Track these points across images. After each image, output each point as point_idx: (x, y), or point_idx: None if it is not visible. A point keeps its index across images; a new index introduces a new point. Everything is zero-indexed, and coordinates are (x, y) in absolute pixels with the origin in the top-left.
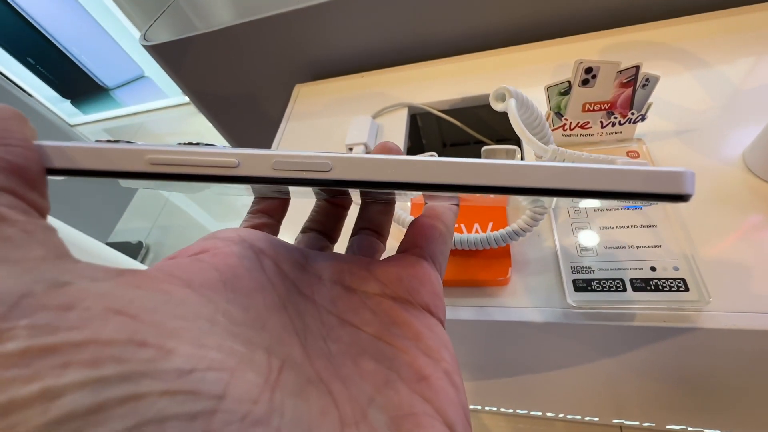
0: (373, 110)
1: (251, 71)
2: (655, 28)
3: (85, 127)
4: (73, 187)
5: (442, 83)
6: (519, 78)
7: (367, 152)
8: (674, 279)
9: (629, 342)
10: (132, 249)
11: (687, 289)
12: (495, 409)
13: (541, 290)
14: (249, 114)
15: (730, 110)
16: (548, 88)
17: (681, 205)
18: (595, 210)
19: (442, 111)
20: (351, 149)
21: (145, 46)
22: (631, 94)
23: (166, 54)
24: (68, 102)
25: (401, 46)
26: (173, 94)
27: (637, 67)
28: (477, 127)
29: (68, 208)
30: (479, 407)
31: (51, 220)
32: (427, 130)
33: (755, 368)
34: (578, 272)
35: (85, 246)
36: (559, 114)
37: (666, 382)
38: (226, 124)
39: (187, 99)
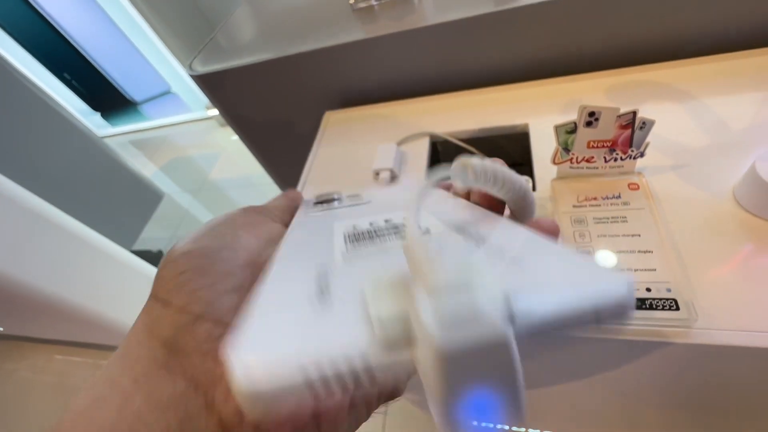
0: (397, 137)
1: (285, 97)
2: (657, 69)
3: (112, 138)
4: (103, 197)
5: (461, 114)
6: (532, 111)
7: (392, 177)
8: (667, 299)
9: (633, 357)
10: (153, 257)
11: (678, 309)
12: (506, 427)
13: None
14: (280, 133)
15: (723, 148)
16: (557, 128)
17: (674, 233)
18: (598, 236)
19: (461, 140)
20: (378, 174)
21: (192, 76)
22: (630, 134)
23: (208, 81)
24: (98, 115)
25: (423, 79)
26: (197, 109)
27: (634, 113)
28: (493, 154)
29: (98, 216)
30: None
31: (80, 227)
32: (446, 156)
33: (753, 385)
34: None
35: (111, 252)
36: (566, 149)
37: (676, 401)
38: (258, 142)
39: (209, 114)
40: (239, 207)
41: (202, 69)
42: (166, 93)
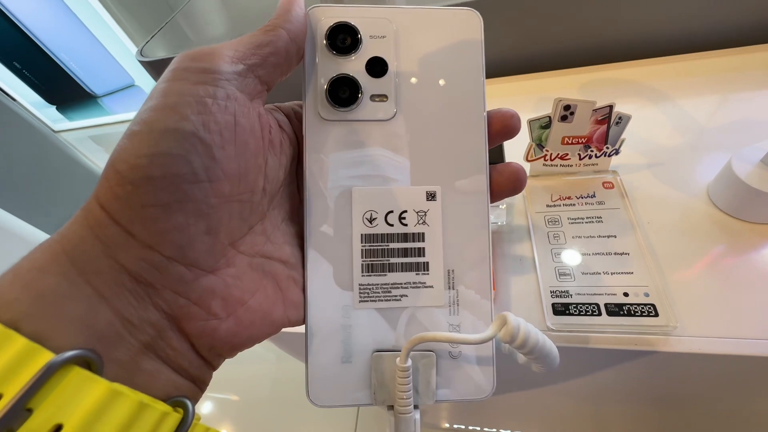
0: None
1: None
2: (630, 66)
3: (69, 133)
4: (55, 194)
5: None
6: (504, 107)
7: None
8: (645, 305)
9: (607, 364)
10: None
11: (657, 315)
12: (479, 428)
13: (522, 313)
14: None
15: (696, 147)
16: (530, 122)
17: (650, 234)
18: (573, 237)
19: None
20: None
21: (141, 62)
22: (605, 130)
23: (161, 69)
24: (53, 108)
25: None
26: None
27: (611, 107)
28: None
29: (48, 215)
30: (463, 426)
31: (21, 226)
32: None
33: (727, 392)
34: (557, 296)
35: None
36: (540, 145)
37: (649, 405)
38: None
39: None
40: (191, 64)
41: (155, 55)
42: (130, 86)
